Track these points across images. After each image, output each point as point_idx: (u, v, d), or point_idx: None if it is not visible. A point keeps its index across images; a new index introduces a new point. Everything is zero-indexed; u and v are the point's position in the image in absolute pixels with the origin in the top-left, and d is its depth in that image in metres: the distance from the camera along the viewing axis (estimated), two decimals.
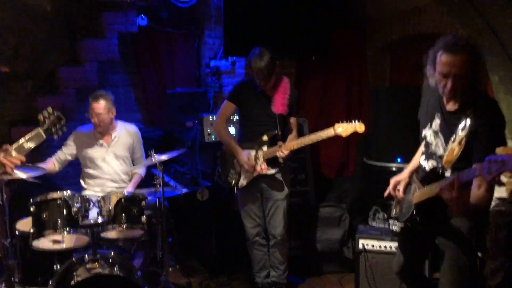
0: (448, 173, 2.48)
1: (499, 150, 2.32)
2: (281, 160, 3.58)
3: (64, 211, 3.24)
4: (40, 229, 3.21)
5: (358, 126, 3.38)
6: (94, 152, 4.00)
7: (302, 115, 4.34)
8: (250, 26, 4.71)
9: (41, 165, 3.79)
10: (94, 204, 3.40)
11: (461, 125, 2.40)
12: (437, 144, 2.57)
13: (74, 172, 4.36)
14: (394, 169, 4.15)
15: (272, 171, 3.66)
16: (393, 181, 2.85)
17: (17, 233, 3.43)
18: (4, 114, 4.87)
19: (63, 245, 3.35)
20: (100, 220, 3.27)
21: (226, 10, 4.83)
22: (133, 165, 4.14)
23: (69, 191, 3.31)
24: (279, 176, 3.73)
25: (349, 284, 4.16)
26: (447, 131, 2.51)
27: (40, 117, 2.73)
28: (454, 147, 2.39)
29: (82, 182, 4.08)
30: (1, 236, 3.33)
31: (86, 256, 3.22)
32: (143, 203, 3.47)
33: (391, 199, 2.90)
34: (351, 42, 5.16)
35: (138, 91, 5.57)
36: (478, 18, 3.52)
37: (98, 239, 3.36)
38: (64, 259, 3.30)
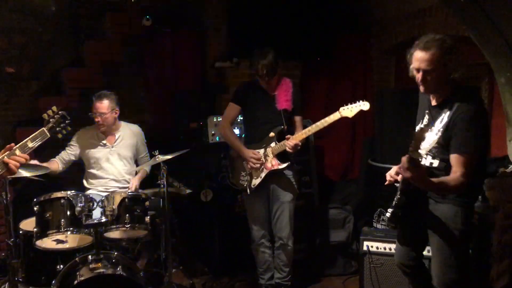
0: (424, 161, 2.67)
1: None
2: (290, 150, 3.56)
3: (68, 211, 3.26)
4: (43, 229, 3.23)
5: (363, 105, 3.40)
6: (98, 153, 3.99)
7: (307, 117, 4.33)
8: (255, 27, 4.72)
9: (45, 164, 3.79)
10: (97, 204, 3.41)
11: (440, 117, 2.60)
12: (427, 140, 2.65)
13: (77, 172, 4.36)
14: None
15: (283, 165, 3.65)
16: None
17: (20, 232, 3.43)
18: (9, 114, 4.88)
19: (67, 245, 3.36)
20: (103, 220, 3.28)
21: (231, 11, 4.83)
22: (137, 165, 4.14)
23: (72, 191, 3.32)
24: (290, 174, 3.72)
25: (353, 286, 4.13)
26: (432, 125, 2.65)
27: (45, 116, 2.74)
28: (425, 135, 2.45)
29: (85, 182, 4.06)
30: (5, 235, 3.34)
31: (90, 256, 3.22)
32: (147, 203, 3.47)
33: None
34: (356, 45, 5.16)
35: (143, 92, 5.56)
36: (484, 19, 3.49)
37: (102, 239, 3.36)
38: (67, 259, 3.30)
